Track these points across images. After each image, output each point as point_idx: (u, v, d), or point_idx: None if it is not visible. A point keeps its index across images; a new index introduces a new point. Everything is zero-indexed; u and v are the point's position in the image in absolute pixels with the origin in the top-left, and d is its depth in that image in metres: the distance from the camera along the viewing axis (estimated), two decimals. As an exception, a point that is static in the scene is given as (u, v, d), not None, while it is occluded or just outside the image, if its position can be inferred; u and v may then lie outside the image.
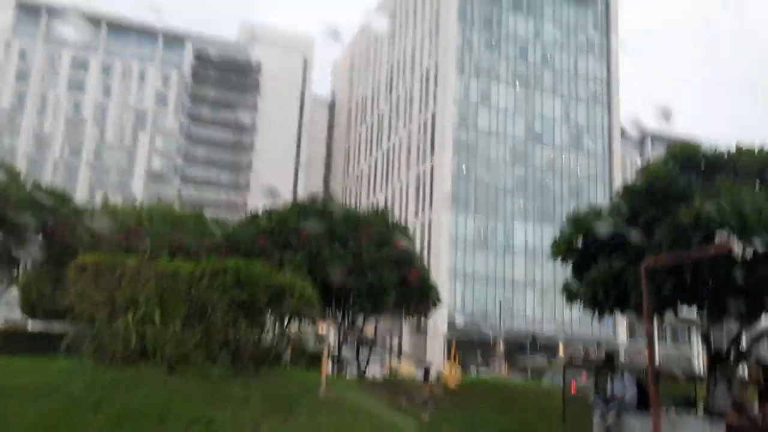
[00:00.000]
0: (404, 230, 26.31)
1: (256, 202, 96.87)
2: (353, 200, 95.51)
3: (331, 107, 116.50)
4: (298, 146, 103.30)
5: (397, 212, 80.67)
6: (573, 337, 71.80)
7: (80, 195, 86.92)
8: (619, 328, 74.55)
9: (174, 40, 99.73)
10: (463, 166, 72.76)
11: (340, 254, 21.55)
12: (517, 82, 76.88)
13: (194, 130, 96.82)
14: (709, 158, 16.19)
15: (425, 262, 70.47)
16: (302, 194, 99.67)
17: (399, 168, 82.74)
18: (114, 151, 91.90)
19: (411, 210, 77.90)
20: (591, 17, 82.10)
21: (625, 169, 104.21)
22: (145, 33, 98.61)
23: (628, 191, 16.75)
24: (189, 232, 22.19)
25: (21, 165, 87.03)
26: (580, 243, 16.55)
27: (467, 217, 71.41)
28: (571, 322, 72.71)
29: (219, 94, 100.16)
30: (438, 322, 66.92)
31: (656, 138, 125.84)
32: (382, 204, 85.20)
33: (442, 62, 74.71)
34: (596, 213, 17.05)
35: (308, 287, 15.37)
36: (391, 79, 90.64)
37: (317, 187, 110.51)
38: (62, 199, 24.39)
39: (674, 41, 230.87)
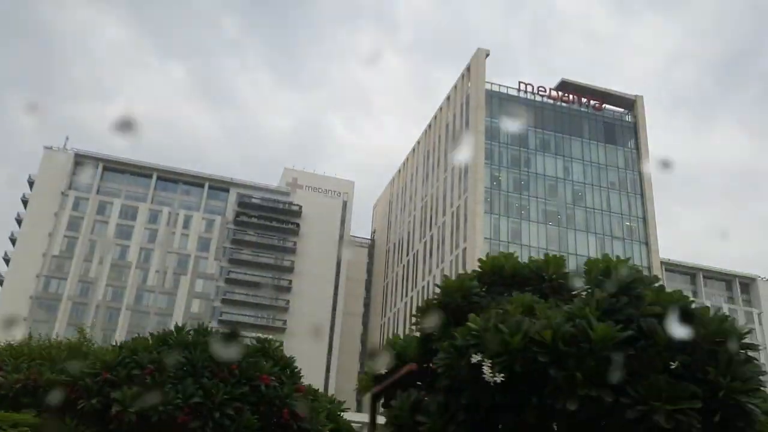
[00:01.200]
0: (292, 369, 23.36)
1: (293, 344, 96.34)
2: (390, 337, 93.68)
3: (371, 248, 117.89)
4: (336, 286, 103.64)
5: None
6: None
7: (119, 339, 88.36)
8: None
9: (220, 187, 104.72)
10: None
11: (189, 392, 18.67)
12: (549, 220, 76.61)
13: (234, 274, 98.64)
14: (515, 270, 15.08)
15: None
16: (339, 333, 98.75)
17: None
18: (155, 294, 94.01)
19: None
20: (621, 155, 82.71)
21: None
22: (192, 181, 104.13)
23: (423, 309, 15.60)
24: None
25: (65, 307, 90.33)
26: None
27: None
28: None
29: (260, 237, 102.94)
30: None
31: (705, 273, 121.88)
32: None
33: (471, 202, 75.53)
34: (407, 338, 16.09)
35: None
36: (424, 220, 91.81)
37: (356, 327, 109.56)
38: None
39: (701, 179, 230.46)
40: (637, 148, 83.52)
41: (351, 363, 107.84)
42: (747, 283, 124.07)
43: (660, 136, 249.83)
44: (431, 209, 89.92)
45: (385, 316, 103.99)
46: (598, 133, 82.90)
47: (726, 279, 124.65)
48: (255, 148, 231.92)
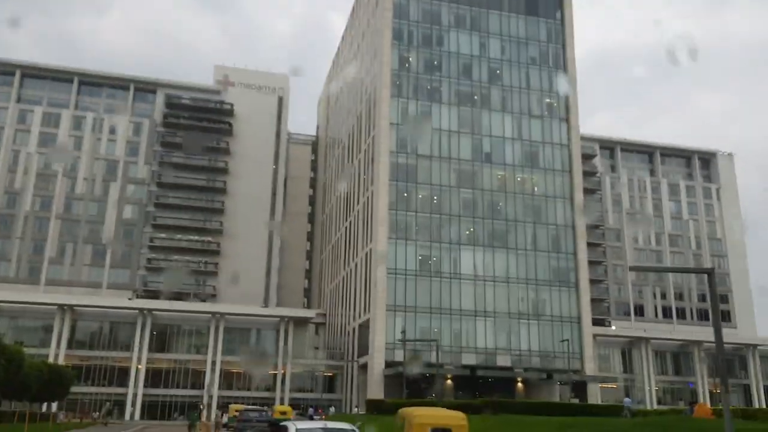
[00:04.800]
0: None
1: (229, 245, 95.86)
2: (333, 229, 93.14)
3: (315, 144, 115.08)
4: (274, 185, 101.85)
5: (352, 243, 77.52)
6: (531, 368, 65.95)
7: (50, 247, 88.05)
8: (586, 359, 68.09)
9: (146, 89, 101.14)
10: (404, 192, 69.08)
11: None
12: (462, 103, 73.03)
13: (166, 177, 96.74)
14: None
15: (368, 298, 67.06)
16: (278, 233, 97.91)
17: (355, 197, 79.75)
18: (84, 202, 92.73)
19: (359, 241, 74.54)
20: (544, 28, 77.78)
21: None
22: (116, 84, 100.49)
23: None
24: None
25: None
26: None
27: (407, 246, 67.30)
28: (530, 352, 67.06)
29: (191, 139, 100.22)
30: (375, 359, 62.93)
31: (663, 150, 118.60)
32: (344, 234, 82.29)
33: (378, 86, 71.94)
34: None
35: None
36: (350, 111, 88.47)
37: (302, 225, 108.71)
38: None
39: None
40: (562, 19, 78.37)
41: (297, 260, 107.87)
42: (707, 159, 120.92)
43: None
44: (354, 99, 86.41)
45: (324, 211, 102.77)
46: (519, 4, 77.66)
47: (685, 156, 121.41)
48: (183, 48, 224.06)
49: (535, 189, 72.36)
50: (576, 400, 62.29)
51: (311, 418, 48.20)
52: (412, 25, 74.26)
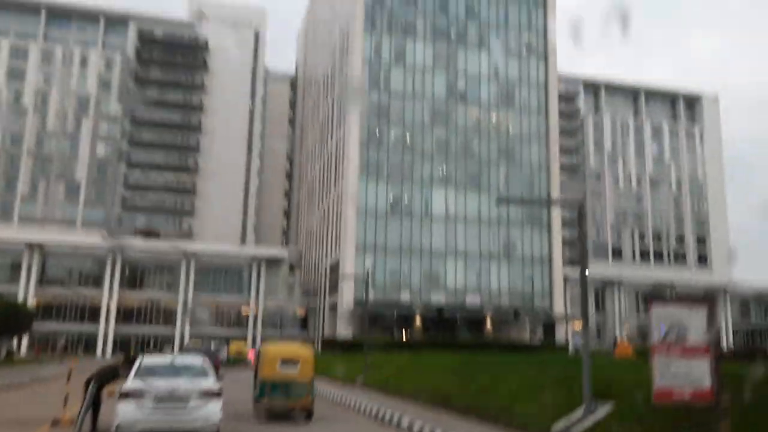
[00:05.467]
0: None
1: (205, 184, 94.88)
2: (309, 168, 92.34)
3: (294, 81, 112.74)
4: (251, 123, 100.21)
5: (325, 182, 76.81)
6: (501, 308, 66.39)
7: (23, 184, 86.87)
8: (556, 299, 68.56)
9: (117, 21, 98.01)
10: (376, 131, 67.93)
11: None
12: (437, 39, 71.07)
13: (140, 114, 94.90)
14: None
15: (338, 235, 66.85)
16: (255, 172, 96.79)
17: (328, 134, 78.53)
18: (56, 138, 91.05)
19: (332, 180, 73.76)
20: (524, -39, 75.06)
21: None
22: (86, 16, 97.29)
23: None
24: None
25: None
26: None
27: (378, 186, 66.61)
28: (499, 292, 67.36)
29: (165, 75, 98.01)
30: (345, 297, 63.04)
31: (648, 92, 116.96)
32: (318, 173, 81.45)
33: (351, 21, 69.78)
34: None
35: None
36: (324, 45, 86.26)
37: (280, 164, 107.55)
38: None
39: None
40: (545, -48, 75.57)
41: (275, 200, 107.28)
42: (692, 101, 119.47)
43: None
44: (330, 35, 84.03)
45: (301, 152, 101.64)
46: (500, -64, 74.69)
47: (670, 98, 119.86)
48: None
49: (510, 129, 71.28)
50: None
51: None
52: (387, -43, 71.49)
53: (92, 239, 76.14)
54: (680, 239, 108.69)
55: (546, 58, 73.17)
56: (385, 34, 69.88)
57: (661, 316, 7.56)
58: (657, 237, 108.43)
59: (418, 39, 70.64)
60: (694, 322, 7.40)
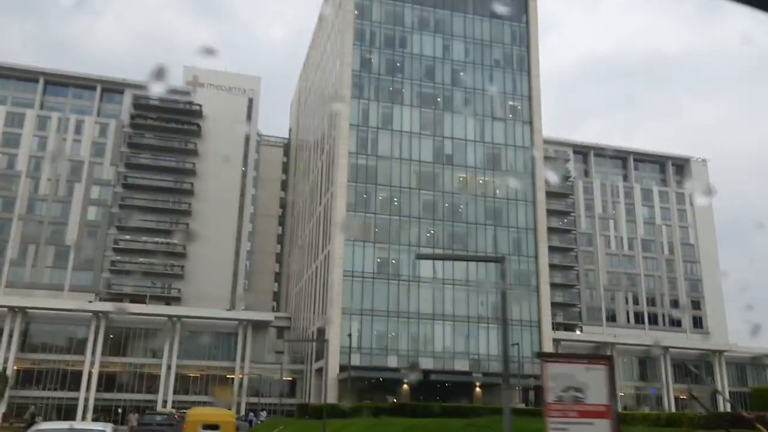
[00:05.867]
0: None
1: (196, 248, 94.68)
2: (299, 231, 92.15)
3: (287, 147, 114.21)
4: (243, 188, 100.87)
5: (314, 245, 76.59)
6: (489, 372, 65.08)
7: (12, 249, 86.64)
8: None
9: (113, 89, 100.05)
10: (363, 194, 68.28)
11: None
12: (424, 104, 72.38)
13: (132, 179, 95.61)
14: None
15: (325, 299, 66.18)
16: (246, 236, 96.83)
17: (317, 198, 78.94)
18: (47, 202, 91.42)
19: (320, 243, 73.68)
20: (508, 31, 77.30)
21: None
22: (83, 84, 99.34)
23: None
24: None
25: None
26: None
27: (365, 249, 66.46)
28: (488, 357, 66.23)
29: (159, 140, 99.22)
30: (330, 363, 61.83)
31: (637, 156, 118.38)
32: (308, 236, 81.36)
33: (339, 87, 71.24)
34: None
35: None
36: (315, 112, 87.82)
37: (272, 228, 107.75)
38: None
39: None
40: (527, 22, 77.92)
41: (267, 264, 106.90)
42: (681, 165, 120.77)
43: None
44: (320, 101, 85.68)
45: (293, 216, 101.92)
46: (484, 7, 77.16)
47: (660, 161, 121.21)
48: (152, 48, 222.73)
49: (497, 191, 71.71)
50: (522, 405, 61.69)
51: (250, 423, 47.36)
52: (374, 26, 73.62)
53: (73, 303, 75.32)
54: (674, 303, 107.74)
55: (531, 123, 74.31)
56: (372, 99, 71.18)
57: (557, 375, 7.29)
58: (651, 301, 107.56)
59: (405, 104, 71.91)
60: (593, 381, 7.12)
